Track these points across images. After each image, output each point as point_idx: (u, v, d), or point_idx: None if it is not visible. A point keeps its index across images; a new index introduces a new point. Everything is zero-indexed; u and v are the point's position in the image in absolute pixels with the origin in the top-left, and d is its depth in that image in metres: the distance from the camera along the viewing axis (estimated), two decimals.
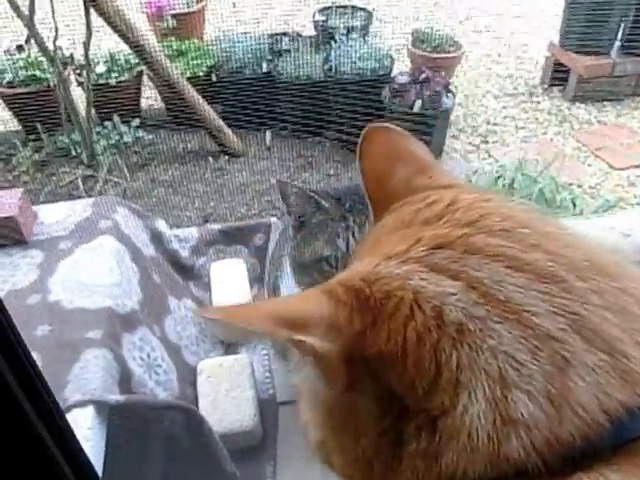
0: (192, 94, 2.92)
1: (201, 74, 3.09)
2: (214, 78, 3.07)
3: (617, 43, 3.54)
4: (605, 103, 3.53)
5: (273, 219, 1.72)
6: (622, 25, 3.48)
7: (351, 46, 2.94)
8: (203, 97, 2.93)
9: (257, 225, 1.72)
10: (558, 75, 3.59)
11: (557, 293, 0.43)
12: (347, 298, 0.46)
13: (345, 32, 3.00)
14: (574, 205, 2.54)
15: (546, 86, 3.65)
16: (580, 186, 2.88)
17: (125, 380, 1.16)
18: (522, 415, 0.40)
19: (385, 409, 0.45)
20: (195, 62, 3.12)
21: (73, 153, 2.99)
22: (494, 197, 0.51)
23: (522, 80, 3.70)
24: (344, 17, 3.26)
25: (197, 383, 1.38)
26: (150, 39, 2.92)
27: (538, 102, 3.53)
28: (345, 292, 0.46)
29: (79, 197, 2.81)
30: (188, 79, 2.95)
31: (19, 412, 0.48)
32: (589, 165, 3.08)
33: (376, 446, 0.46)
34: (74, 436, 0.59)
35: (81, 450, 0.61)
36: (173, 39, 3.17)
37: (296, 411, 1.45)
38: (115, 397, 1.07)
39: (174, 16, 3.16)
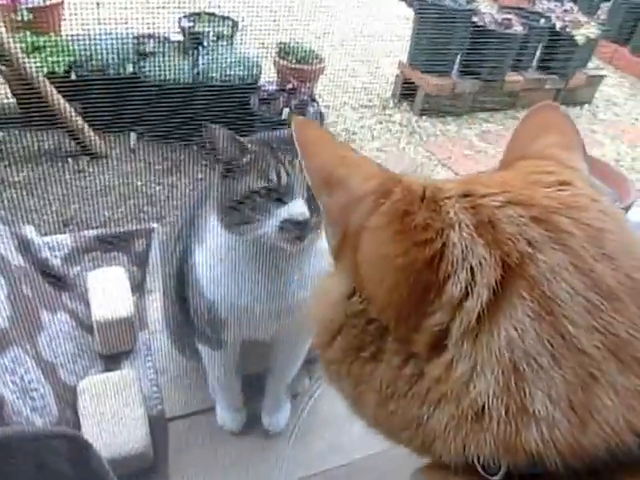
0: (50, 91, 2.62)
1: (60, 71, 2.79)
2: (74, 76, 2.78)
3: (456, 65, 3.76)
4: (448, 118, 3.68)
5: (155, 225, 1.55)
6: (460, 51, 3.72)
7: (220, 53, 2.80)
8: (63, 95, 2.63)
9: (137, 231, 1.54)
10: (407, 91, 3.71)
11: (606, 310, 0.39)
12: (397, 200, 0.43)
13: (213, 39, 2.85)
14: None
15: (397, 100, 3.74)
16: None
17: None
18: (539, 412, 0.38)
19: (355, 294, 0.45)
20: (53, 58, 2.82)
21: None
22: (603, 201, 0.45)
23: (376, 94, 3.76)
24: (210, 24, 3.11)
25: (78, 405, 1.19)
26: (2, 31, 2.58)
27: (390, 114, 3.61)
28: (401, 192, 0.44)
29: None
30: (46, 76, 2.64)
31: None
32: (438, 173, 3.18)
33: (341, 324, 0.46)
34: None
35: None
36: (28, 33, 2.84)
37: (188, 426, 1.28)
38: None
39: (30, 9, 2.83)
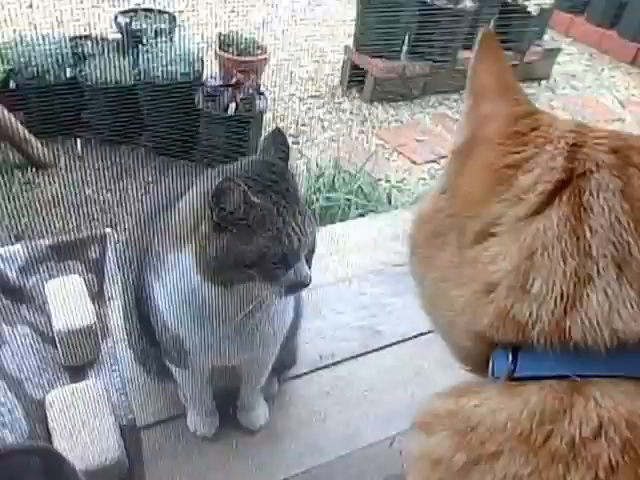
0: None
1: None
2: (12, 85, 2.74)
3: (405, 47, 3.75)
4: (400, 103, 3.72)
5: (107, 229, 1.55)
6: (408, 32, 3.69)
7: (160, 50, 2.79)
8: (2, 105, 2.59)
9: (90, 237, 1.54)
10: (356, 77, 3.72)
11: (629, 230, 0.48)
12: (518, 124, 0.55)
13: (152, 35, 2.83)
14: (389, 199, 2.63)
15: (345, 88, 3.76)
16: (388, 181, 3.01)
17: None
18: (535, 291, 0.48)
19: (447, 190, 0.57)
20: None
21: None
22: None
23: (323, 82, 3.78)
24: (148, 20, 3.08)
25: (48, 418, 1.19)
26: None
27: (340, 103, 3.63)
28: (527, 119, 0.55)
29: None
30: None
31: None
32: (393, 161, 3.23)
33: (432, 215, 0.58)
34: None
35: None
36: None
37: (160, 434, 1.29)
38: None
39: None
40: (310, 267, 1.03)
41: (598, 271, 0.47)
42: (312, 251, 1.06)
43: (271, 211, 0.96)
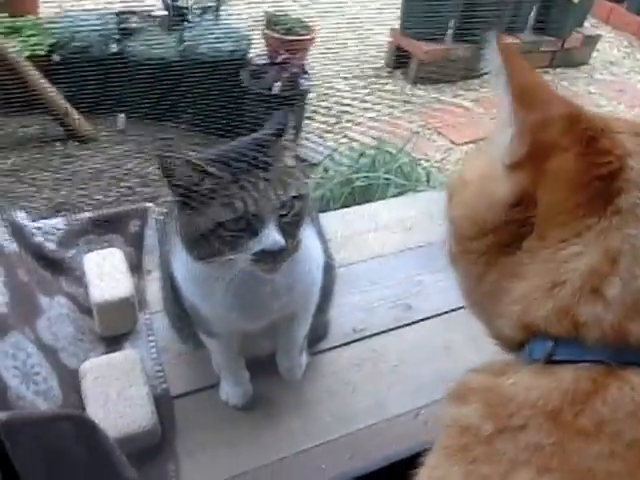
0: (33, 75, 2.59)
1: (42, 53, 2.75)
2: (57, 58, 2.76)
3: (450, 31, 3.71)
4: (442, 85, 3.67)
5: (149, 204, 1.56)
6: (453, 15, 3.66)
7: (206, 27, 2.78)
8: (46, 78, 2.61)
9: (131, 211, 1.55)
10: (400, 59, 3.69)
11: None
12: (581, 125, 0.53)
13: (198, 12, 2.82)
14: (428, 179, 2.60)
15: (390, 69, 3.73)
16: (428, 161, 2.97)
17: None
18: (607, 295, 0.48)
19: (520, 205, 0.53)
20: (34, 40, 2.78)
21: None
22: None
23: (368, 63, 3.73)
24: None
25: (82, 387, 1.20)
26: None
27: (384, 84, 3.59)
28: (585, 121, 0.53)
29: None
30: (27, 59, 2.62)
31: None
32: (434, 142, 3.18)
33: (496, 226, 0.55)
34: None
35: None
36: (5, 15, 2.80)
37: (194, 404, 1.29)
38: None
39: None
40: (295, 233, 1.00)
41: None
42: (299, 220, 1.02)
43: (225, 178, 0.94)
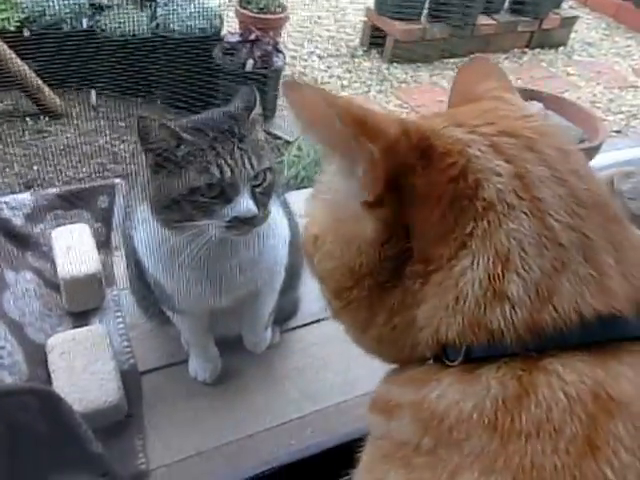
0: (3, 50, 2.54)
1: (12, 28, 2.70)
2: (27, 33, 2.70)
3: (425, 11, 3.72)
4: (419, 64, 3.67)
5: (117, 180, 1.54)
6: None
7: (178, 4, 2.74)
8: (16, 53, 2.56)
9: (99, 187, 1.53)
10: (376, 38, 3.68)
11: (578, 214, 0.48)
12: (415, 137, 0.50)
13: None
14: None
15: (365, 48, 3.71)
16: None
17: None
18: (511, 295, 0.46)
19: (392, 238, 0.51)
20: (3, 15, 2.72)
21: None
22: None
23: (343, 42, 3.72)
24: None
25: (48, 362, 1.20)
26: None
27: (359, 63, 3.58)
28: (415, 132, 0.50)
29: None
30: None
31: None
32: None
33: (372, 267, 0.53)
34: None
35: None
36: None
37: (162, 379, 1.30)
38: None
39: None
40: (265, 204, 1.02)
41: (569, 259, 0.47)
42: (271, 189, 1.05)
43: (201, 145, 0.97)
